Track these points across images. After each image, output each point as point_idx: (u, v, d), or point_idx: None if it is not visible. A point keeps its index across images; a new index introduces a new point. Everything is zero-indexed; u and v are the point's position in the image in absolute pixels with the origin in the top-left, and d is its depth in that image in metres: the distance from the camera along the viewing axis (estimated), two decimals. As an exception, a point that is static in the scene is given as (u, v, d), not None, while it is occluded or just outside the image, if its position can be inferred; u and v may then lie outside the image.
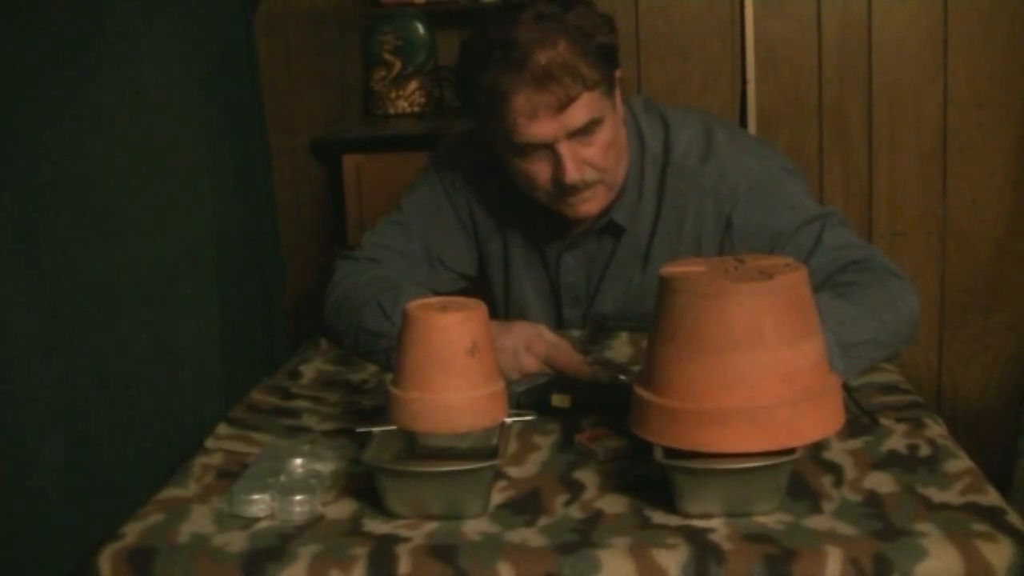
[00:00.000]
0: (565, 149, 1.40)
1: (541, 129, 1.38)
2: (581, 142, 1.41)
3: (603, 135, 1.43)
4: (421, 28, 2.54)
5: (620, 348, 1.52)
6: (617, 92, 1.48)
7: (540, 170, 1.44)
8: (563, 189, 1.44)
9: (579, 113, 1.38)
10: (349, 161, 2.39)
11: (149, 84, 1.42)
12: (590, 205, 1.48)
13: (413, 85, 2.56)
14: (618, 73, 1.47)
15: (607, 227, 1.55)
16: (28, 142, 1.16)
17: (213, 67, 1.63)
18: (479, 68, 1.39)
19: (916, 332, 1.42)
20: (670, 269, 1.04)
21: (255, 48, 1.94)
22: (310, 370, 1.49)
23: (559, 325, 1.64)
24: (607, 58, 1.42)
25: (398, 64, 2.55)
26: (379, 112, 2.58)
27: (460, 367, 1.02)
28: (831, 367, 1.09)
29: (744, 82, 2.49)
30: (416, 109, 2.57)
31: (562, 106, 1.37)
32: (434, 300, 1.09)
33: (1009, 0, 2.44)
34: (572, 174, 1.41)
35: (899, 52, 2.49)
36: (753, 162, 1.52)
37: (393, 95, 2.57)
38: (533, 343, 1.35)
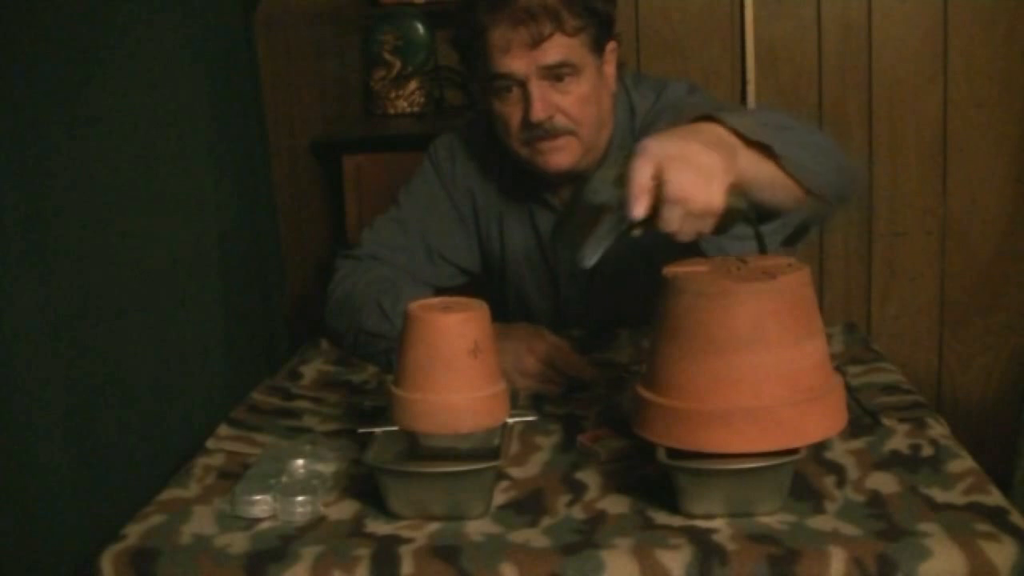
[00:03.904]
0: (535, 88, 1.43)
1: (514, 62, 1.42)
2: (554, 87, 1.44)
3: (580, 87, 1.45)
4: (421, 28, 2.54)
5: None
6: (607, 61, 1.50)
7: (513, 113, 1.46)
8: (533, 134, 1.45)
9: (552, 51, 1.41)
10: (349, 161, 2.39)
11: (149, 84, 1.42)
12: (560, 156, 1.48)
13: (413, 85, 2.56)
14: (611, 45, 1.49)
15: None
16: (30, 143, 1.16)
17: (213, 67, 1.63)
18: (467, 6, 1.45)
19: (849, 171, 1.30)
20: (673, 269, 1.04)
21: (255, 48, 1.94)
22: (310, 371, 1.49)
23: (557, 304, 1.64)
24: (595, 17, 1.44)
25: (398, 64, 2.55)
26: (379, 112, 2.58)
27: (462, 368, 1.02)
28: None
29: (744, 82, 2.49)
30: (416, 109, 2.57)
31: (535, 42, 1.40)
32: (436, 300, 1.09)
33: (1009, 0, 2.44)
34: (538, 111, 1.43)
35: (899, 52, 2.49)
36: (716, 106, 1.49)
37: (393, 95, 2.57)
38: (534, 344, 1.35)
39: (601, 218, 1.04)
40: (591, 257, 1.05)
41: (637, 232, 1.04)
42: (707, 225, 1.03)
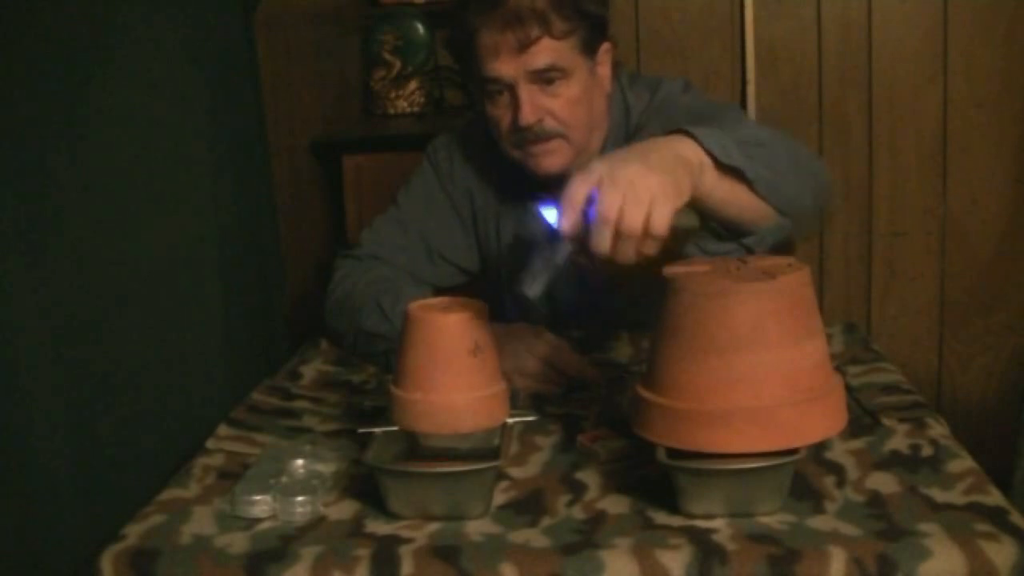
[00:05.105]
0: (524, 91, 1.42)
1: (502, 67, 1.41)
2: (544, 90, 1.43)
3: (570, 90, 1.44)
4: (421, 28, 2.54)
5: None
6: (602, 63, 1.49)
7: (503, 115, 1.46)
8: (523, 136, 1.45)
9: (540, 56, 1.40)
10: (349, 161, 2.39)
11: (149, 85, 1.42)
12: (551, 159, 1.47)
13: (413, 85, 2.56)
14: (605, 46, 1.48)
15: None
16: (31, 143, 1.16)
17: (213, 67, 1.63)
18: (458, 8, 1.44)
19: (823, 190, 1.31)
20: (673, 269, 1.04)
21: (255, 48, 1.94)
22: (310, 371, 1.49)
23: (552, 305, 1.63)
24: (586, 20, 1.43)
25: (398, 64, 2.55)
26: (379, 112, 2.58)
27: (462, 368, 1.02)
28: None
29: (744, 82, 2.49)
30: (416, 109, 2.57)
31: (523, 46, 1.39)
32: (436, 300, 1.09)
33: (1009, 0, 2.44)
34: (526, 115, 1.42)
35: (899, 52, 2.49)
36: (705, 107, 1.49)
37: (393, 95, 2.57)
38: (534, 344, 1.35)
39: (540, 246, 1.04)
40: (532, 286, 1.04)
41: (582, 260, 1.03)
42: (650, 247, 1.01)
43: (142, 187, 1.40)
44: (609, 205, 0.98)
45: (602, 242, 0.99)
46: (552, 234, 1.02)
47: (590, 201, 1.01)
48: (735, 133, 1.17)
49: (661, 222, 0.99)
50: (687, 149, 1.08)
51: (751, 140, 1.18)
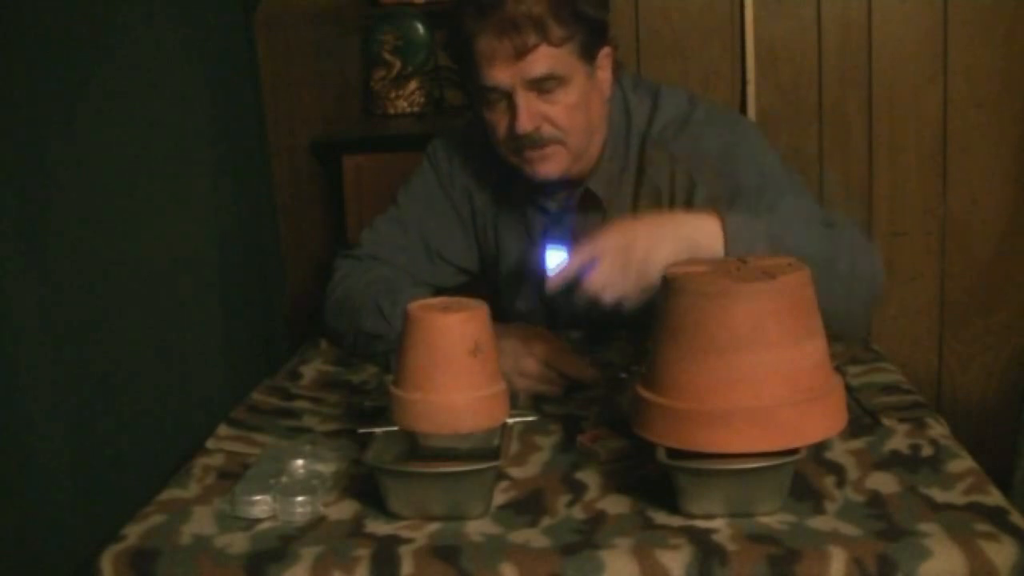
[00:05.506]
0: (521, 99, 1.41)
1: (499, 74, 1.40)
2: (541, 97, 1.42)
3: (568, 96, 1.43)
4: (421, 28, 2.54)
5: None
6: (602, 67, 1.47)
7: (500, 121, 1.45)
8: (521, 143, 1.44)
9: (537, 64, 1.39)
10: (349, 161, 2.39)
11: (149, 85, 1.42)
12: (548, 165, 1.46)
13: (413, 85, 2.56)
14: (605, 50, 1.47)
15: (586, 199, 1.54)
16: (30, 143, 1.16)
17: (213, 67, 1.63)
18: (457, 9, 1.43)
19: (871, 299, 1.33)
20: (673, 269, 1.04)
21: (255, 48, 1.94)
22: (310, 371, 1.49)
23: (548, 306, 1.63)
24: (585, 25, 1.41)
25: (398, 64, 2.55)
26: (379, 112, 2.58)
27: (462, 368, 1.02)
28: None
29: (744, 82, 2.49)
30: (416, 109, 2.57)
31: (520, 54, 1.38)
32: (436, 300, 1.09)
33: (1009, 0, 2.44)
34: (523, 123, 1.41)
35: (899, 52, 2.49)
36: (727, 133, 1.49)
37: (393, 95, 2.57)
38: (533, 345, 1.35)
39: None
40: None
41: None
42: (615, 312, 1.18)
43: (142, 187, 1.40)
44: (595, 282, 1.16)
45: (577, 300, 1.18)
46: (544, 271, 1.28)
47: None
48: (783, 226, 1.23)
49: (628, 304, 1.16)
50: (707, 235, 1.20)
51: (797, 251, 1.14)
